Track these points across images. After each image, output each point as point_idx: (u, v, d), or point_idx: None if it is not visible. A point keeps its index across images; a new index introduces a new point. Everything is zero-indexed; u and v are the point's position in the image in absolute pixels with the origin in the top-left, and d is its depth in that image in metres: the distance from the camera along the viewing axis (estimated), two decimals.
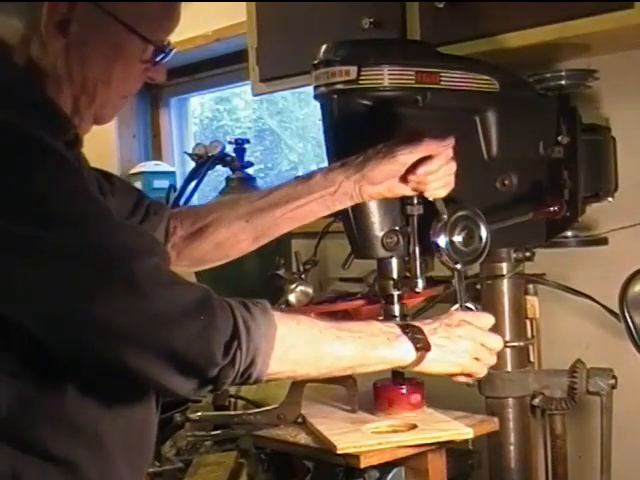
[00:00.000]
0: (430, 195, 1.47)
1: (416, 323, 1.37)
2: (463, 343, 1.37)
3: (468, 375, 1.41)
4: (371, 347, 1.29)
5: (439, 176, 1.43)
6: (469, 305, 1.56)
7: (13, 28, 1.23)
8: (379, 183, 1.44)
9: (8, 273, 1.09)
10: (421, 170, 1.41)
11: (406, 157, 1.42)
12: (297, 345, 1.22)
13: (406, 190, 1.46)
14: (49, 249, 1.08)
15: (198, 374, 1.13)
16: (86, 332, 1.09)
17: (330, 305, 1.77)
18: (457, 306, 1.57)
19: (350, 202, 1.47)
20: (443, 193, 1.46)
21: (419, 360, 1.33)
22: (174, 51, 1.31)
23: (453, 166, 1.44)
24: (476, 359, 1.39)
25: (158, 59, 1.30)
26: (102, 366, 1.14)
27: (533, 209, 1.70)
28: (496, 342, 1.42)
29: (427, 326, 1.37)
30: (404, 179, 1.44)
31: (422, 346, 1.33)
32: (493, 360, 1.42)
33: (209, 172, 2.77)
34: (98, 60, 1.25)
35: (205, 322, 1.12)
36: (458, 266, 1.53)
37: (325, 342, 1.25)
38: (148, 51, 1.28)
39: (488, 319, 1.45)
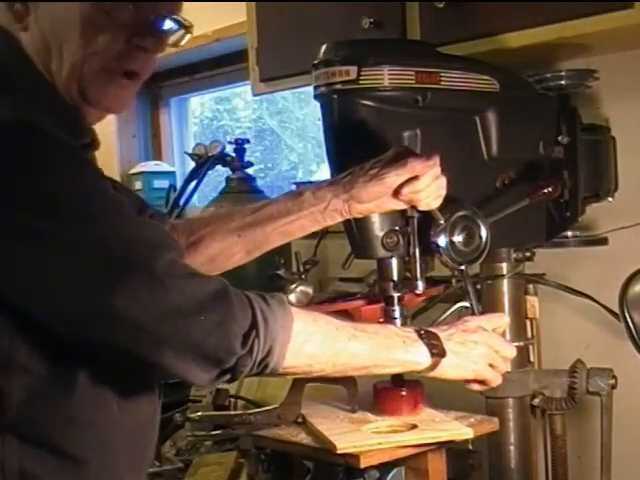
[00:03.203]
0: (423, 208, 1.48)
1: (432, 329, 1.39)
2: (478, 349, 1.39)
3: (482, 383, 1.43)
4: (387, 348, 1.31)
5: (429, 193, 1.44)
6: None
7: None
8: (367, 202, 1.46)
9: (28, 270, 1.10)
10: (406, 190, 1.43)
11: (392, 179, 1.43)
12: (313, 340, 1.24)
13: (397, 205, 1.47)
14: (70, 245, 1.10)
15: (216, 364, 1.15)
16: (106, 325, 1.10)
17: (330, 305, 1.77)
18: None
19: (340, 218, 1.49)
20: (436, 204, 1.47)
21: (434, 366, 1.35)
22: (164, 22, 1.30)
23: (443, 181, 1.45)
24: (491, 366, 1.41)
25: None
26: (120, 358, 1.15)
27: (528, 194, 1.69)
28: (510, 350, 1.44)
29: (443, 332, 1.39)
30: (395, 196, 1.45)
31: (437, 352, 1.35)
32: (506, 368, 1.44)
33: (209, 172, 2.77)
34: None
35: (223, 313, 1.14)
36: (462, 267, 1.53)
37: (341, 339, 1.27)
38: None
39: (503, 320, 1.49)
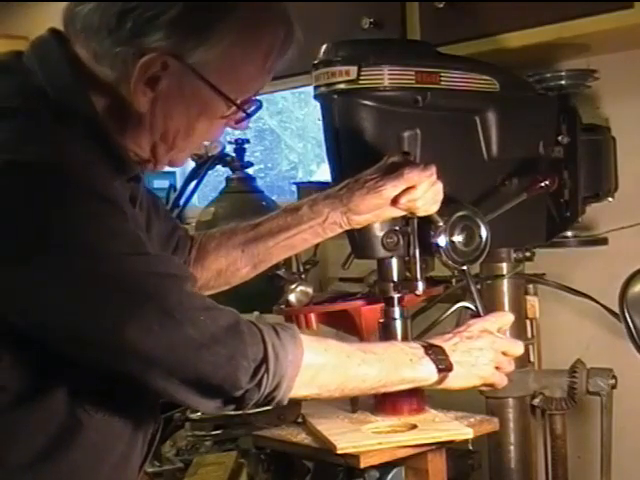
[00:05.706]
0: (421, 214, 1.48)
1: (437, 342, 1.40)
2: (484, 355, 1.41)
3: (489, 385, 1.44)
4: (395, 369, 1.33)
5: (426, 200, 1.45)
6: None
7: (102, 74, 1.22)
8: (365, 214, 1.46)
9: (42, 301, 1.09)
10: (404, 200, 1.43)
11: (389, 191, 1.43)
12: (324, 371, 1.26)
13: (395, 213, 1.47)
14: (84, 279, 1.09)
15: (222, 396, 1.17)
16: (116, 356, 1.11)
17: (330, 305, 1.77)
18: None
19: (340, 229, 1.49)
20: (434, 209, 1.47)
21: (441, 380, 1.37)
22: (260, 109, 1.31)
23: (439, 187, 1.45)
24: (497, 368, 1.42)
25: (241, 117, 1.29)
26: (128, 382, 1.16)
27: (526, 189, 1.69)
28: (517, 348, 1.45)
29: (447, 342, 1.39)
30: (393, 204, 1.45)
31: (444, 367, 1.36)
32: (511, 367, 1.45)
33: (209, 172, 2.76)
34: (182, 115, 1.24)
35: (234, 348, 1.15)
36: (464, 268, 1.54)
37: (351, 366, 1.29)
38: (232, 108, 1.27)
39: (507, 319, 1.49)
